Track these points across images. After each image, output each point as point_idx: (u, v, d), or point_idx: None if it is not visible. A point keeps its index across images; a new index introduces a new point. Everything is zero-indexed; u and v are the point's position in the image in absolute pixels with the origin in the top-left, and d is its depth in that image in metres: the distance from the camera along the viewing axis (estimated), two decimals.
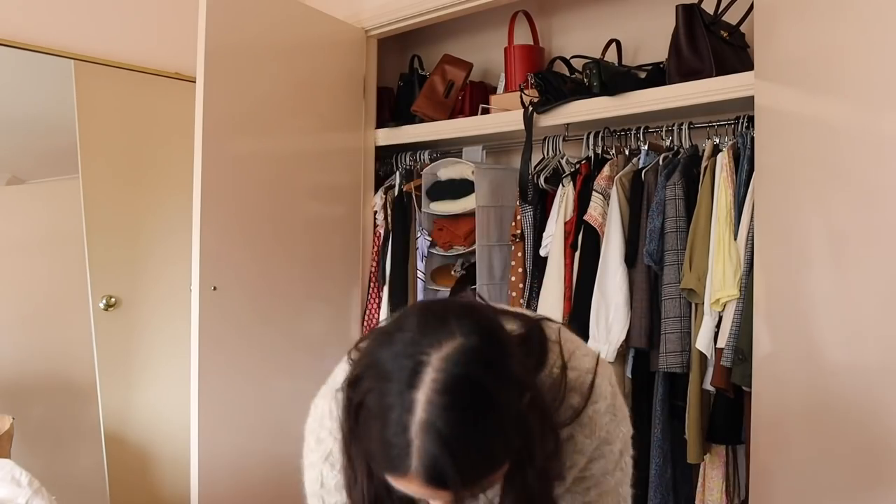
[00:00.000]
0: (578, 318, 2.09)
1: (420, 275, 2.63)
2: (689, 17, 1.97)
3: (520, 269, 2.32)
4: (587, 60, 2.21)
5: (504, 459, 0.77)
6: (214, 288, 2.08)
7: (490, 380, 0.75)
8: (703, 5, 2.01)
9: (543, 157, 2.39)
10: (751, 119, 1.88)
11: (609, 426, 0.95)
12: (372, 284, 2.70)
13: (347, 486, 0.88)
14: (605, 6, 2.53)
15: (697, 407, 1.88)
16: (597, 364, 0.95)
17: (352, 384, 0.79)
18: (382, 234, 2.71)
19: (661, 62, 2.17)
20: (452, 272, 2.68)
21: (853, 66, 1.44)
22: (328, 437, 0.95)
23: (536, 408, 0.81)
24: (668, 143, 2.11)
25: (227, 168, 2.15)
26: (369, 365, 0.78)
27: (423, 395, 0.72)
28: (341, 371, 0.93)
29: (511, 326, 0.89)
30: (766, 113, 1.65)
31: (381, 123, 2.75)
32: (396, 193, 2.72)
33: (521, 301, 2.30)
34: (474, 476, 0.75)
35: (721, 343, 1.80)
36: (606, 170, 2.14)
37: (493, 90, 2.67)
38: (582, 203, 2.17)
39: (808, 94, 1.55)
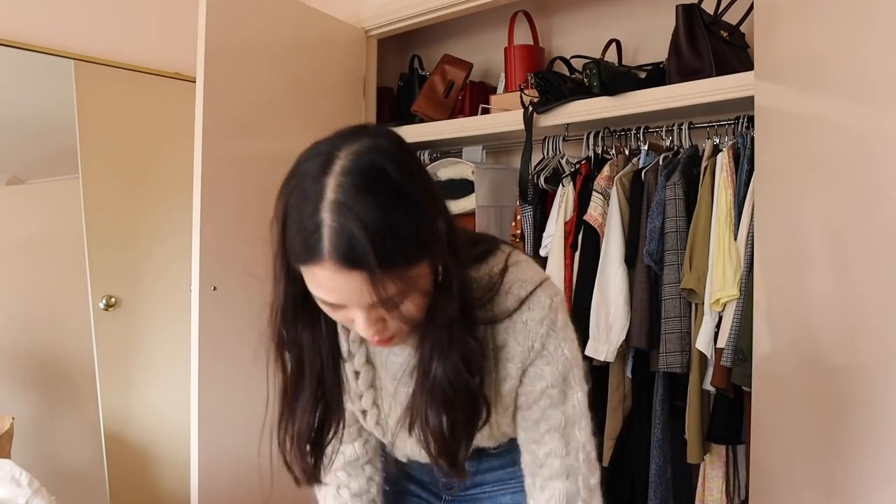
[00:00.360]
0: (578, 318, 2.08)
1: None
2: (689, 17, 1.97)
3: None
4: (587, 60, 2.21)
5: (417, 256, 0.78)
6: (214, 288, 2.08)
7: (398, 170, 0.78)
8: (703, 5, 2.01)
9: (543, 157, 2.39)
10: (751, 119, 1.88)
11: (546, 340, 0.95)
12: None
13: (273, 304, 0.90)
14: (605, 6, 2.53)
15: (697, 407, 1.88)
16: (544, 280, 0.97)
17: (278, 196, 0.82)
18: None
19: (661, 62, 2.17)
20: None
21: (853, 66, 1.44)
22: None
23: (454, 241, 0.86)
24: (668, 143, 2.11)
25: (226, 168, 2.15)
26: (291, 170, 0.83)
27: (332, 180, 0.76)
28: None
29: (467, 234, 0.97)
30: (766, 113, 1.65)
31: (380, 123, 2.75)
32: None
33: None
34: (387, 256, 0.75)
35: (721, 343, 1.80)
36: (606, 170, 2.14)
37: (493, 90, 2.67)
38: (582, 203, 2.17)
39: (808, 94, 1.54)
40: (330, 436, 0.98)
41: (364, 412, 1.05)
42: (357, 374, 1.02)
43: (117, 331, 2.56)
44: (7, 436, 2.02)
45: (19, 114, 2.42)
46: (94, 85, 2.49)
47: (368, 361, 1.03)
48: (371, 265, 0.74)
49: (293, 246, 0.79)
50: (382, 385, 1.04)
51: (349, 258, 0.74)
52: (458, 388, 0.89)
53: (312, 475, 1.00)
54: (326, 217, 0.75)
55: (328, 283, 0.78)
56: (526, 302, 0.94)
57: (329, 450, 1.01)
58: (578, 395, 0.98)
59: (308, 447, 0.97)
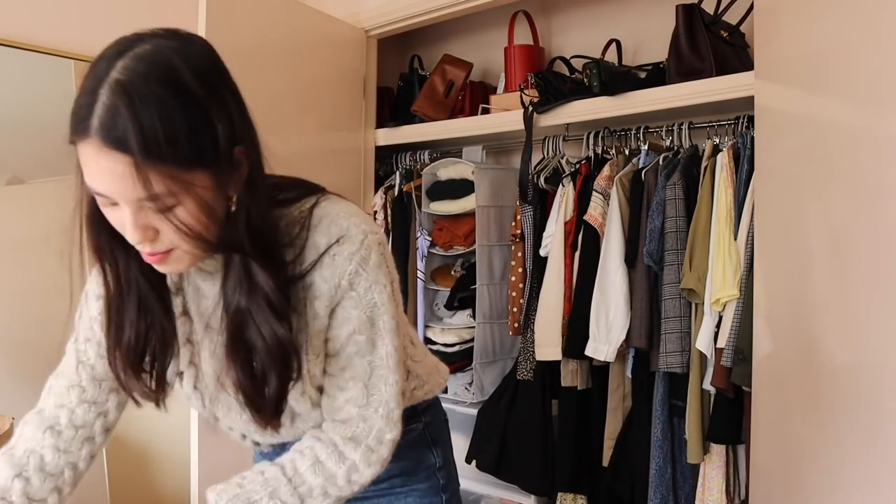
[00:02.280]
0: (578, 318, 2.09)
1: (420, 275, 2.63)
2: (690, 17, 1.97)
3: (520, 269, 2.32)
4: (587, 60, 2.21)
5: (190, 158, 0.76)
6: None
7: (193, 73, 0.77)
8: (703, 5, 2.01)
9: (543, 157, 2.39)
10: (751, 119, 1.88)
11: (354, 279, 0.90)
12: None
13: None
14: (605, 6, 2.53)
15: (697, 407, 1.88)
16: (358, 214, 0.94)
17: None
18: None
19: (661, 62, 2.17)
20: (452, 272, 2.68)
21: (853, 66, 1.44)
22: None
23: (252, 170, 0.85)
24: (668, 143, 2.11)
25: None
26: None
27: (122, 62, 0.76)
28: None
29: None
30: (766, 113, 1.65)
31: (381, 123, 2.75)
32: (396, 193, 2.72)
33: (521, 301, 2.30)
34: (154, 145, 0.73)
35: (721, 343, 1.80)
36: (606, 170, 2.14)
37: (493, 90, 2.67)
38: (582, 203, 2.17)
39: (808, 94, 1.55)
40: (166, 358, 0.95)
41: (181, 374, 1.00)
42: None
43: None
44: (7, 436, 2.02)
45: (19, 114, 2.42)
46: None
47: (185, 313, 0.98)
48: (133, 149, 0.73)
49: (70, 122, 0.80)
50: (199, 340, 0.98)
51: (112, 137, 0.74)
52: (265, 338, 0.85)
53: (155, 398, 0.97)
54: (103, 94, 0.74)
55: (93, 165, 0.77)
56: (337, 236, 0.89)
57: (169, 374, 0.97)
58: (388, 348, 0.93)
59: (141, 365, 0.93)
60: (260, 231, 0.85)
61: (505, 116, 2.40)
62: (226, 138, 0.80)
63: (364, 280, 0.91)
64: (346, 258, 0.89)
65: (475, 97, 2.64)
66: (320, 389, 0.96)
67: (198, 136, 0.77)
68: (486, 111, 2.52)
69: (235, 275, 0.86)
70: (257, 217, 0.85)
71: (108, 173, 0.76)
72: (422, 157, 2.73)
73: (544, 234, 2.27)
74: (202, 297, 0.96)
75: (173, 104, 0.75)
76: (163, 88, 0.74)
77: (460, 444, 2.12)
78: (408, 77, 2.85)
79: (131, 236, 0.80)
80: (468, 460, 2.33)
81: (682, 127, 2.09)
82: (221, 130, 0.79)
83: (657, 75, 2.15)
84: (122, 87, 0.74)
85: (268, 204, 0.89)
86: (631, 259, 2.01)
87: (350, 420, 0.93)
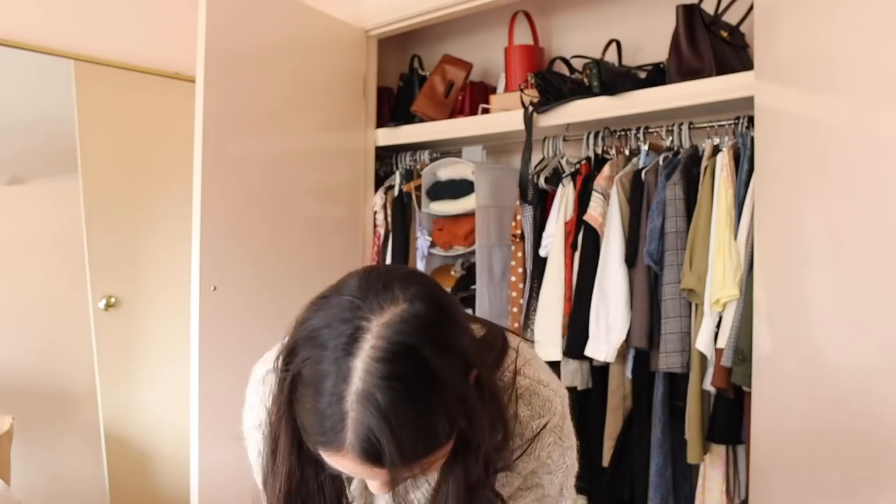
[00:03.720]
0: (578, 318, 2.09)
1: None
2: (690, 17, 1.97)
3: (520, 270, 2.32)
4: (587, 60, 2.21)
5: (446, 439, 0.71)
6: (214, 288, 2.08)
7: (434, 350, 0.69)
8: (703, 5, 2.01)
9: (543, 157, 2.39)
10: (751, 119, 1.88)
11: (552, 449, 0.89)
12: None
13: (264, 472, 0.81)
14: (605, 6, 2.53)
15: (697, 407, 1.88)
16: (552, 382, 0.91)
17: (286, 355, 0.73)
18: (382, 235, 2.71)
19: (661, 62, 2.17)
20: (452, 272, 2.68)
21: (853, 66, 1.44)
22: (259, 404, 0.90)
23: (484, 387, 0.76)
24: (668, 143, 2.11)
25: (226, 168, 2.14)
26: (305, 333, 0.72)
27: (360, 363, 0.67)
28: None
29: (473, 325, 0.85)
30: (766, 113, 1.65)
31: (381, 123, 2.75)
32: (396, 193, 2.71)
33: (521, 301, 2.30)
34: (413, 454, 0.69)
35: (721, 343, 1.80)
36: (606, 170, 2.14)
37: (493, 90, 2.67)
38: (582, 203, 2.16)
39: (808, 94, 1.55)
40: None
41: None
42: None
43: (117, 331, 2.56)
44: (7, 436, 2.02)
45: (19, 114, 2.42)
46: (94, 85, 2.49)
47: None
48: (395, 464, 0.68)
49: (309, 427, 0.71)
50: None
51: (373, 456, 0.68)
52: None
53: None
54: (351, 411, 0.67)
55: (347, 466, 0.71)
56: (537, 407, 0.88)
57: None
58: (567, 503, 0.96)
59: None
60: (487, 452, 0.79)
61: (505, 116, 2.40)
62: (471, 391, 0.74)
63: (559, 449, 0.91)
64: (548, 431, 0.88)
65: (475, 97, 2.64)
66: None
67: (453, 419, 0.71)
68: (486, 111, 2.52)
69: (454, 485, 0.81)
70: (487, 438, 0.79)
71: (362, 474, 0.72)
72: (422, 157, 2.73)
73: (544, 234, 2.27)
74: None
75: (429, 402, 0.69)
76: (415, 388, 0.68)
77: None
78: (408, 77, 2.85)
79: (376, 493, 0.77)
80: None
81: (682, 127, 2.08)
82: (468, 387, 0.74)
83: (657, 75, 2.15)
84: (374, 402, 0.66)
85: (498, 401, 0.82)
86: (631, 259, 2.01)
87: None
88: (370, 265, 0.84)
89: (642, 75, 2.22)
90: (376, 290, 0.72)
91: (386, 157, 2.83)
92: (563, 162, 2.34)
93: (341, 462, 0.71)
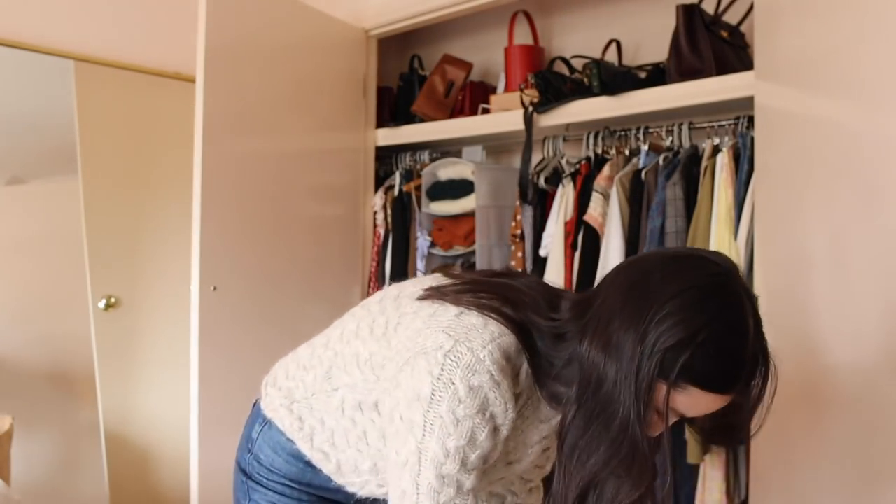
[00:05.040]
0: None
1: (420, 275, 2.63)
2: (690, 17, 1.97)
3: (520, 270, 2.32)
4: (587, 60, 2.21)
5: None
6: (214, 288, 2.08)
7: None
8: (703, 5, 2.01)
9: (543, 157, 2.39)
10: (751, 119, 1.88)
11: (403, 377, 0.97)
12: (372, 284, 2.70)
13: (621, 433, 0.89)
14: (605, 6, 2.53)
15: None
16: None
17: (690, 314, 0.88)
18: (382, 234, 2.71)
19: (661, 62, 2.17)
20: None
21: (853, 66, 1.44)
22: (485, 384, 0.90)
23: None
24: (668, 143, 2.11)
25: (226, 168, 2.15)
26: (698, 298, 0.89)
27: (750, 315, 0.92)
28: (471, 324, 0.94)
29: None
30: (766, 113, 1.65)
31: (381, 123, 2.75)
32: (396, 193, 2.72)
33: None
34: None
35: None
36: (606, 170, 2.14)
37: (493, 90, 2.67)
38: (582, 203, 2.16)
39: (808, 94, 1.55)
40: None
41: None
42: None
43: (117, 331, 2.56)
44: (7, 436, 2.02)
45: (19, 114, 2.42)
46: (94, 85, 2.49)
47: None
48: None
49: (712, 373, 0.89)
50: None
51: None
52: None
53: None
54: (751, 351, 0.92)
55: (709, 406, 0.92)
56: None
57: None
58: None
59: None
60: None
61: (505, 116, 2.40)
62: None
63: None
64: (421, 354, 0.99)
65: (475, 97, 2.64)
66: None
67: None
68: (486, 111, 2.52)
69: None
70: None
71: (710, 408, 0.92)
72: (422, 157, 2.73)
73: (544, 234, 2.27)
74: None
75: None
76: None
77: None
78: (408, 77, 2.85)
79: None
80: None
81: (682, 127, 2.08)
82: None
83: (657, 75, 2.15)
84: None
85: None
86: None
87: None
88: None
89: (642, 75, 2.22)
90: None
91: (386, 157, 2.83)
92: (563, 162, 2.34)
93: (705, 404, 0.91)
